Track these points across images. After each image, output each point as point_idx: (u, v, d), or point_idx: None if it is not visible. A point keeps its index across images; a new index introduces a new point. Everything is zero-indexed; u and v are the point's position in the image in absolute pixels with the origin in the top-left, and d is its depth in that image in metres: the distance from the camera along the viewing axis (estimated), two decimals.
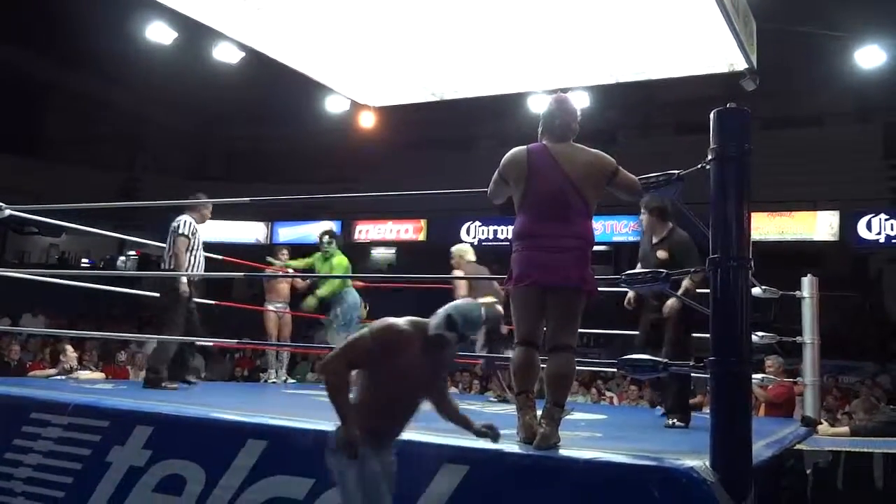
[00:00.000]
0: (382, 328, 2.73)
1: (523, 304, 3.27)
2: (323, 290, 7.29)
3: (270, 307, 7.97)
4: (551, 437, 3.01)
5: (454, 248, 7.05)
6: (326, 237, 7.61)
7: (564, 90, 8.30)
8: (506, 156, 3.41)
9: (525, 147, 3.37)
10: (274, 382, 7.93)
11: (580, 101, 9.20)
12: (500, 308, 6.37)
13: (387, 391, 2.66)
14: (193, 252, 5.82)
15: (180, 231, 5.79)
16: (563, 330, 3.23)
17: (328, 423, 3.43)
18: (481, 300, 6.19)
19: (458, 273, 6.72)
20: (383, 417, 2.68)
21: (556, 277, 3.18)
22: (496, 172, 3.45)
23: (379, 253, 23.51)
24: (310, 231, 21.67)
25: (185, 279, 5.63)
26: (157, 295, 5.90)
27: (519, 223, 3.32)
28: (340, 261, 7.54)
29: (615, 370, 7.57)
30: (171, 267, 5.72)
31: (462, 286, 6.41)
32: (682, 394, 4.93)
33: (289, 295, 8.11)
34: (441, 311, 2.76)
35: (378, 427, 2.66)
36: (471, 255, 6.88)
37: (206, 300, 7.61)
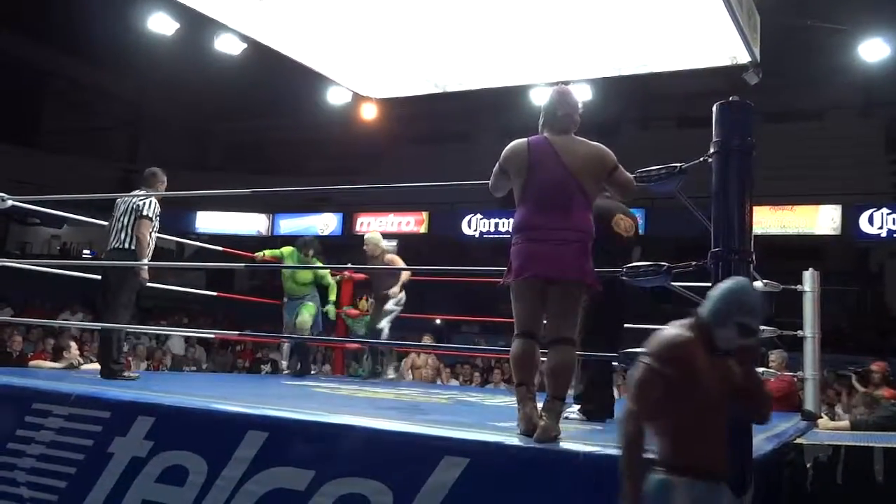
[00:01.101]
0: (660, 348, 2.35)
1: (523, 297, 3.26)
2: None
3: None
4: (552, 429, 3.00)
5: (369, 237, 7.48)
6: (311, 251, 7.66)
7: (566, 83, 8.33)
8: (506, 148, 3.40)
9: (526, 139, 3.36)
10: (288, 373, 7.98)
11: (582, 94, 9.20)
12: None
13: (698, 414, 2.30)
14: (153, 235, 5.49)
15: (144, 213, 5.39)
16: (563, 323, 3.22)
17: (328, 414, 3.45)
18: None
19: (374, 262, 7.30)
20: (707, 445, 2.32)
21: (557, 270, 3.17)
22: (497, 164, 3.44)
23: None
24: (312, 223, 21.74)
25: (145, 262, 5.34)
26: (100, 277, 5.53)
27: (519, 215, 3.31)
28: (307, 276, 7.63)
29: (616, 363, 7.56)
30: (132, 249, 5.35)
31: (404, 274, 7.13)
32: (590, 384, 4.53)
33: None
34: (717, 297, 2.44)
35: (705, 461, 2.30)
36: (384, 243, 7.38)
37: (206, 291, 7.65)
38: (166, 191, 5.87)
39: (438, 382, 10.19)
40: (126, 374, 5.29)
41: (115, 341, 5.36)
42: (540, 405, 3.16)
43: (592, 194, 3.30)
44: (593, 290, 3.31)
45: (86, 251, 23.23)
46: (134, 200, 5.47)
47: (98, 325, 5.31)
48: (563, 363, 3.19)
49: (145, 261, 5.40)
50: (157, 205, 5.54)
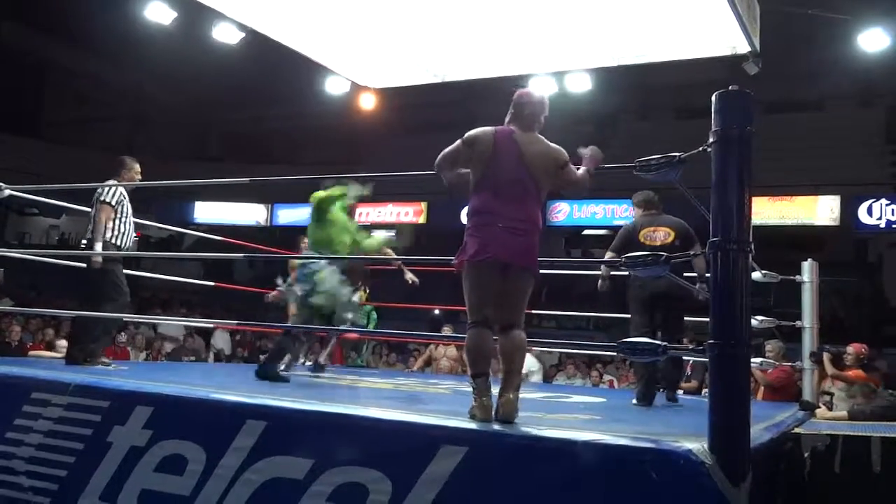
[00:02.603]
0: None
1: (479, 280, 3.35)
2: None
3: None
4: (516, 404, 3.14)
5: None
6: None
7: (566, 73, 8.33)
8: (474, 131, 3.50)
9: (493, 129, 3.49)
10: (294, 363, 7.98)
11: (582, 84, 9.19)
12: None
13: None
14: (121, 220, 5.50)
15: (103, 198, 5.43)
16: (515, 310, 3.37)
17: (326, 404, 3.45)
18: None
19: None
20: None
21: (515, 256, 3.32)
22: (459, 141, 3.51)
23: (379, 235, 23.53)
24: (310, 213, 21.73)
25: (98, 248, 5.33)
26: (84, 266, 5.52)
27: (477, 201, 3.43)
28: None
29: (614, 353, 7.58)
30: (91, 238, 5.41)
31: None
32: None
33: None
34: None
35: None
36: None
37: (204, 281, 7.65)
38: (168, 180, 5.86)
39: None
40: (90, 360, 5.26)
41: (89, 330, 5.37)
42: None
43: (544, 190, 3.48)
44: (537, 281, 3.46)
45: (84, 241, 23.22)
46: (98, 190, 5.51)
47: (102, 315, 5.30)
48: (518, 346, 3.34)
49: (99, 247, 5.37)
50: (121, 191, 5.53)
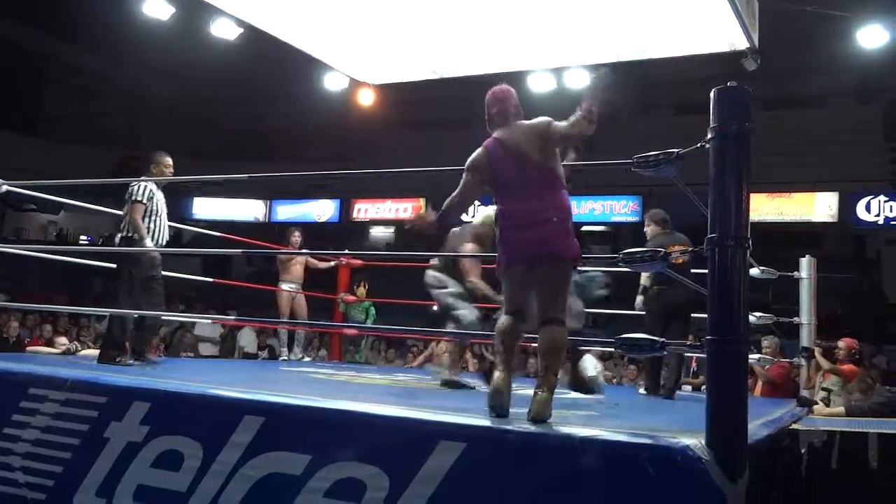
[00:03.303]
0: None
1: (510, 283, 3.40)
2: None
3: (284, 287, 8.00)
4: (548, 404, 3.07)
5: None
6: None
7: (564, 69, 8.30)
8: (470, 157, 3.54)
9: (483, 147, 3.50)
10: (287, 359, 8.00)
11: (581, 80, 9.16)
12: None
13: None
14: (151, 218, 5.52)
15: (135, 197, 5.45)
16: (550, 304, 3.31)
17: (324, 400, 3.45)
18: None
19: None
20: None
21: (536, 250, 3.28)
22: (464, 174, 3.55)
23: (377, 232, 23.52)
24: (309, 209, 21.72)
25: (150, 244, 5.37)
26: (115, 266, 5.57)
27: (499, 208, 3.47)
28: None
29: (613, 349, 7.59)
30: (128, 235, 5.45)
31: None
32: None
33: (302, 276, 8.11)
34: None
35: None
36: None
37: (202, 277, 7.65)
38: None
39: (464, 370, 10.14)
40: (120, 360, 5.27)
41: (118, 328, 5.37)
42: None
43: (553, 172, 3.38)
44: (577, 265, 3.45)
45: (83, 237, 23.20)
46: (129, 188, 5.52)
47: (102, 311, 5.31)
48: (554, 340, 3.26)
49: (150, 245, 5.41)
50: (151, 188, 5.54)
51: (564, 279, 3.37)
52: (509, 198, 3.40)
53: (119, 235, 5.58)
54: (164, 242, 5.68)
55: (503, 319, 3.37)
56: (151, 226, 5.53)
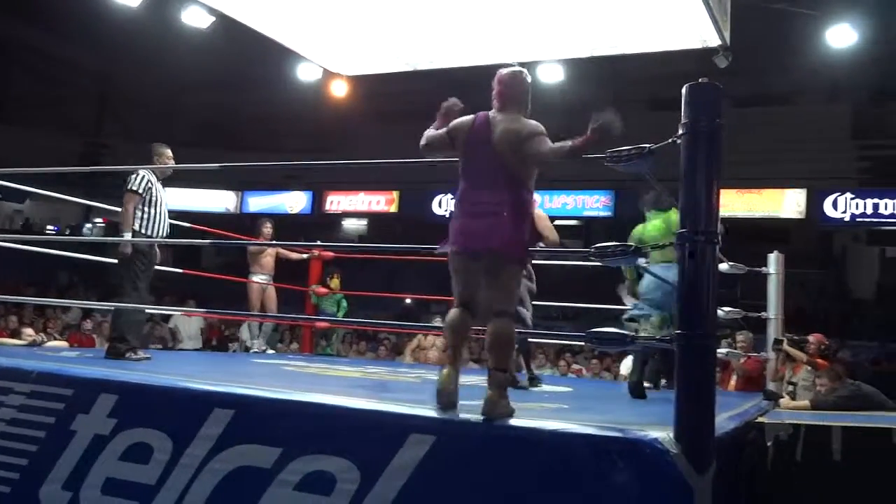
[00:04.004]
0: None
1: (456, 271, 3.36)
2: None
3: (254, 279, 7.94)
4: (495, 402, 3.00)
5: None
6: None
7: (538, 63, 8.32)
8: (456, 119, 3.50)
9: (472, 115, 3.47)
10: (255, 351, 7.95)
11: (554, 75, 9.20)
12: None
13: None
14: (150, 208, 5.42)
15: (129, 186, 5.38)
16: (496, 296, 3.27)
17: (294, 392, 3.44)
18: None
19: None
20: None
21: (482, 243, 3.24)
22: (444, 129, 3.51)
23: (350, 224, 23.43)
24: (281, 201, 21.57)
25: (128, 237, 5.28)
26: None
27: (458, 190, 3.43)
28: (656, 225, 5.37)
29: (583, 343, 7.64)
30: (135, 228, 5.37)
31: None
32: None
33: (273, 268, 8.06)
34: None
35: None
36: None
37: (173, 268, 7.57)
38: (136, 164, 5.74)
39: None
40: (129, 355, 5.16)
41: (125, 321, 5.29)
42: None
43: (517, 169, 3.32)
44: (524, 263, 3.43)
45: (50, 227, 22.85)
46: (127, 178, 5.47)
47: (99, 304, 5.22)
48: (499, 335, 3.22)
49: (129, 236, 5.32)
50: (149, 178, 5.47)
51: (509, 275, 3.30)
52: (469, 180, 3.36)
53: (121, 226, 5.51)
54: (166, 234, 5.61)
55: (452, 313, 3.34)
56: (152, 215, 5.44)
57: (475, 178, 3.35)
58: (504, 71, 3.53)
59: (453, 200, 3.46)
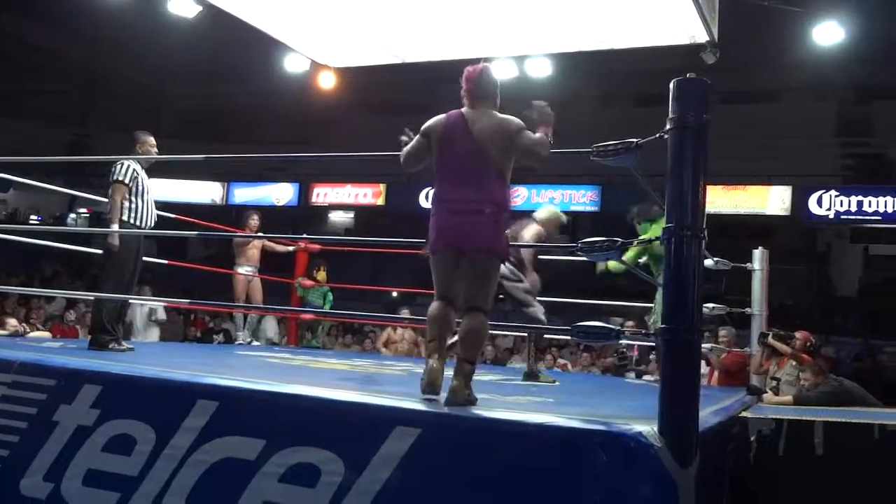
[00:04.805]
0: None
1: (437, 267, 3.40)
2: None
3: (240, 271, 7.90)
4: (459, 392, 3.11)
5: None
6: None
7: (526, 57, 8.32)
8: (428, 121, 3.52)
9: (446, 113, 3.49)
10: (241, 343, 7.94)
11: (542, 69, 9.19)
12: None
13: None
14: (137, 198, 5.35)
15: (116, 177, 5.30)
16: (475, 292, 3.35)
17: (279, 384, 3.43)
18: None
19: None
20: None
21: (466, 240, 3.30)
22: (417, 135, 3.55)
23: (337, 216, 23.37)
24: (267, 193, 21.47)
25: (115, 228, 5.22)
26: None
27: (435, 188, 3.46)
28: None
29: (569, 337, 7.66)
30: (122, 218, 5.29)
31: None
32: None
33: (259, 260, 8.03)
34: None
35: None
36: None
37: (156, 259, 7.52)
38: (121, 155, 5.68)
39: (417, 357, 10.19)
40: (112, 346, 5.11)
41: (104, 312, 5.23)
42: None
43: (501, 166, 3.39)
44: (503, 260, 3.50)
45: (33, 217, 22.66)
46: (112, 168, 5.40)
47: (82, 294, 5.17)
48: (473, 328, 3.31)
49: (116, 227, 5.25)
50: (135, 168, 5.40)
51: (490, 272, 3.38)
52: (449, 178, 3.39)
53: (106, 217, 5.42)
54: (153, 224, 5.55)
55: (433, 306, 3.38)
56: (139, 205, 5.38)
57: (456, 175, 3.38)
58: (471, 68, 3.56)
59: (431, 197, 3.50)
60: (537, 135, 3.43)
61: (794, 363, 6.49)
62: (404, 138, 3.65)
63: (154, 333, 8.38)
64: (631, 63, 15.29)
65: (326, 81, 9.00)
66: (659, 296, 5.12)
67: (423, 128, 3.52)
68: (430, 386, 3.16)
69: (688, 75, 2.90)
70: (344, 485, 2.81)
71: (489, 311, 3.39)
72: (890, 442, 3.21)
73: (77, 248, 6.72)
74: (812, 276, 18.64)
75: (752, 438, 3.37)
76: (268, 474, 2.94)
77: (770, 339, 6.22)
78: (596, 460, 2.58)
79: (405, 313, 10.18)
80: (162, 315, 9.68)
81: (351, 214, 22.99)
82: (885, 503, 3.16)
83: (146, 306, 8.70)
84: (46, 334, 8.31)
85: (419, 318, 5.43)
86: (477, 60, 3.71)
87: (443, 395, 3.15)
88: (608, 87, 20.27)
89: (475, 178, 3.33)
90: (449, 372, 3.25)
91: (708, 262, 5.28)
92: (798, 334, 6.62)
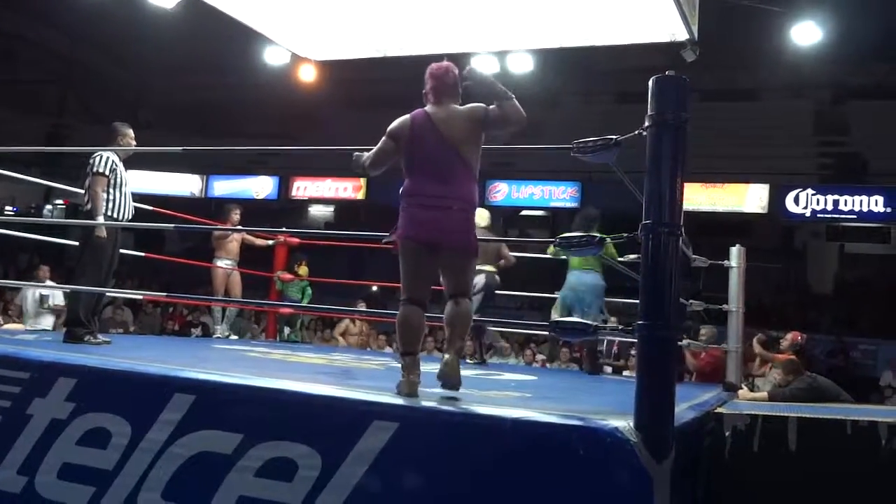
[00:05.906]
0: None
1: (409, 262, 3.42)
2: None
3: (219, 264, 7.85)
4: (454, 365, 3.25)
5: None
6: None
7: (508, 52, 8.33)
8: (393, 123, 3.54)
9: (409, 114, 3.51)
10: (219, 337, 7.89)
11: (524, 65, 9.21)
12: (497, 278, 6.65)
13: None
14: (115, 191, 5.30)
15: (96, 168, 5.24)
16: (457, 282, 3.45)
17: (256, 378, 3.41)
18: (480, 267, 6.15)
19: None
20: None
21: (440, 237, 3.35)
22: (384, 138, 3.55)
23: (317, 210, 23.27)
24: (247, 186, 21.33)
25: (101, 220, 5.18)
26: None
27: (406, 184, 3.47)
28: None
29: (547, 332, 7.68)
30: (88, 209, 5.25)
31: None
32: None
33: (238, 253, 7.99)
34: None
35: None
36: (483, 221, 6.41)
37: (134, 251, 7.45)
38: (98, 146, 5.62)
39: (370, 350, 10.23)
40: (88, 339, 5.06)
41: (79, 305, 5.18)
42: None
43: (473, 162, 3.45)
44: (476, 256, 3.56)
45: (9, 207, 22.37)
46: (90, 159, 5.33)
47: (59, 287, 5.11)
48: (463, 312, 3.40)
49: (102, 219, 5.21)
50: (114, 159, 5.34)
51: (468, 265, 3.48)
52: (419, 174, 3.42)
53: (85, 209, 5.35)
54: (130, 216, 5.50)
55: (402, 310, 3.40)
56: (117, 197, 5.33)
57: (426, 173, 3.40)
58: (436, 65, 3.58)
59: (401, 191, 3.49)
60: (504, 105, 3.40)
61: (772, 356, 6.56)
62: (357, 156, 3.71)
63: (48, 321, 8.12)
64: (613, 60, 15.37)
65: (307, 74, 8.97)
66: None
67: (388, 130, 3.53)
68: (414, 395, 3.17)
69: (667, 73, 2.91)
70: (321, 479, 2.81)
71: (470, 296, 3.50)
72: (861, 438, 3.25)
73: (53, 239, 6.64)
74: (789, 273, 18.82)
75: (728, 434, 3.40)
76: (244, 468, 2.93)
77: (757, 351, 6.31)
78: (572, 455, 2.60)
79: (361, 306, 10.57)
80: (59, 301, 9.05)
81: (331, 208, 22.90)
82: (856, 497, 3.20)
83: (37, 291, 8.37)
84: (21, 326, 8.21)
85: (392, 312, 5.42)
86: (459, 55, 3.72)
87: (421, 391, 3.16)
88: (590, 83, 20.32)
89: (445, 175, 3.38)
90: (427, 367, 3.26)
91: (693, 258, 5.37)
92: (789, 335, 6.68)
